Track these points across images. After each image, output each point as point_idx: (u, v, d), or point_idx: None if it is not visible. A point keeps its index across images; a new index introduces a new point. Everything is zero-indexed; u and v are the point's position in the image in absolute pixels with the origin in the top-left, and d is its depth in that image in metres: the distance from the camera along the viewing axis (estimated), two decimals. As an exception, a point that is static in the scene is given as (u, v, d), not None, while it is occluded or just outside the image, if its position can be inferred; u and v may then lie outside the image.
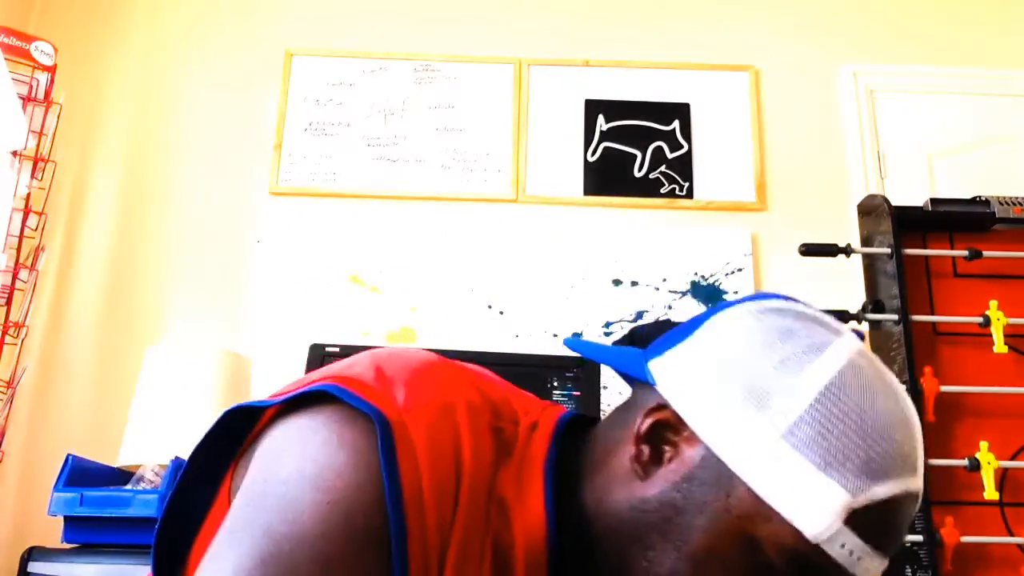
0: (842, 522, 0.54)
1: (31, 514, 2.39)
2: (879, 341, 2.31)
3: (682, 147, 2.82)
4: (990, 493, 1.95)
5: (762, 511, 0.55)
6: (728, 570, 0.57)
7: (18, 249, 2.48)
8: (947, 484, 2.06)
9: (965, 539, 1.94)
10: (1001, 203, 2.32)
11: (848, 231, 2.61)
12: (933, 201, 2.38)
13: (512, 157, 2.78)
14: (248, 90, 2.86)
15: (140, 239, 2.71)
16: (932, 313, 2.25)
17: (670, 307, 2.60)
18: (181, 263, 2.68)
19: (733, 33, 2.95)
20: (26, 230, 2.52)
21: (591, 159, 2.80)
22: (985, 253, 2.21)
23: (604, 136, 2.83)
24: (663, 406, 0.60)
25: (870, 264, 2.42)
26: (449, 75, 2.88)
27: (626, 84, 2.89)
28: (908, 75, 2.91)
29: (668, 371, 0.61)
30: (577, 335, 2.59)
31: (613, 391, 2.28)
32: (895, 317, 2.16)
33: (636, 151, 2.81)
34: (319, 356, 2.09)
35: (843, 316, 2.26)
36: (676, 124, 2.85)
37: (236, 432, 0.63)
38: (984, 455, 1.98)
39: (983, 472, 1.96)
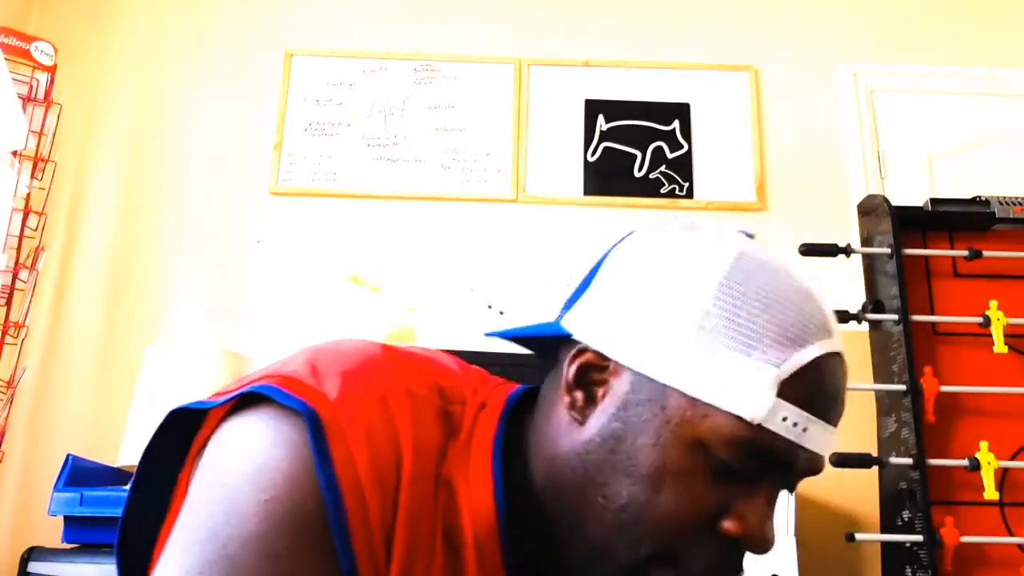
0: (776, 395, 0.55)
1: (31, 514, 2.39)
2: (879, 341, 2.31)
3: (682, 147, 2.82)
4: (990, 493, 1.95)
5: (699, 410, 0.56)
6: (684, 482, 0.57)
7: (18, 249, 2.48)
8: (947, 484, 2.06)
9: (965, 539, 1.94)
10: (1001, 203, 2.32)
11: (848, 231, 2.61)
12: (933, 201, 2.37)
13: (512, 157, 2.78)
14: (248, 90, 2.86)
15: (140, 239, 2.71)
16: (932, 313, 2.25)
17: (670, 307, 2.59)
18: (181, 263, 2.68)
19: (733, 33, 2.95)
20: (26, 230, 2.52)
21: (591, 159, 2.80)
22: (985, 253, 2.21)
23: (604, 136, 2.83)
24: (583, 350, 0.62)
25: (870, 264, 2.42)
26: (449, 75, 2.88)
27: (626, 84, 2.89)
28: (908, 75, 2.91)
29: (579, 318, 0.63)
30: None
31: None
32: (895, 317, 2.16)
33: (636, 151, 2.81)
34: (319, 356, 2.09)
35: (843, 316, 2.26)
36: (676, 124, 2.84)
37: (185, 432, 0.64)
38: (984, 455, 1.98)
39: (983, 472, 1.96)
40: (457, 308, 2.62)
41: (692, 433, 0.56)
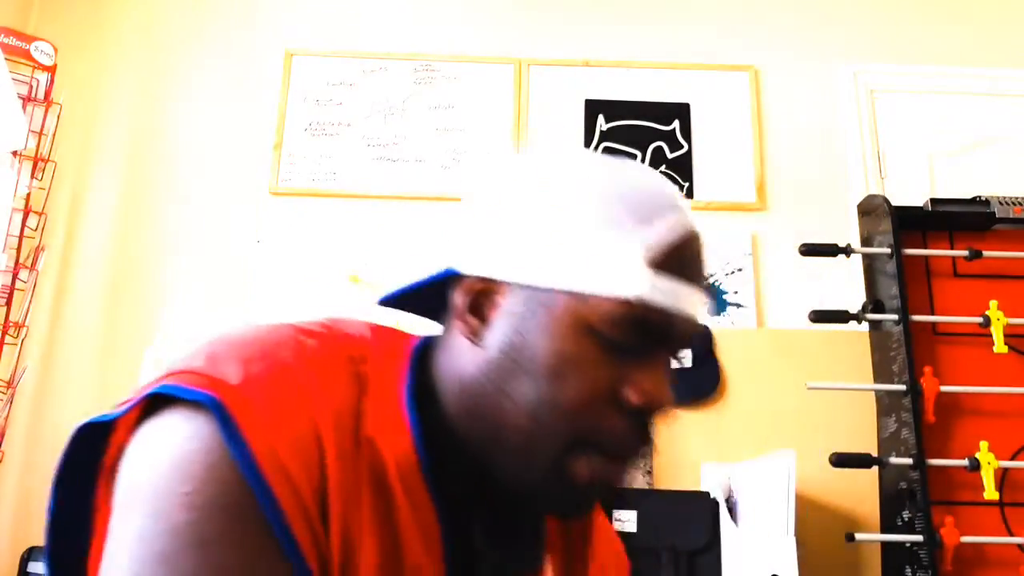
0: (648, 268, 0.61)
1: (31, 514, 2.39)
2: (879, 341, 2.31)
3: (682, 147, 2.82)
4: (990, 493, 1.95)
5: (583, 301, 0.61)
6: (582, 367, 0.61)
7: (18, 249, 2.49)
8: (947, 484, 2.06)
9: (965, 539, 1.94)
10: (1001, 203, 2.32)
11: (848, 231, 2.61)
12: (933, 201, 2.38)
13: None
14: (248, 90, 2.86)
15: (140, 239, 2.71)
16: (932, 313, 2.25)
17: (670, 307, 2.59)
18: (181, 263, 2.68)
19: (733, 33, 2.95)
20: (26, 230, 2.52)
21: (591, 159, 2.80)
22: (985, 253, 2.21)
23: (604, 136, 2.83)
24: (469, 279, 0.66)
25: (870, 264, 2.42)
26: (449, 75, 2.89)
27: (626, 84, 2.89)
28: (908, 75, 2.91)
29: (460, 255, 0.68)
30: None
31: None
32: (895, 317, 2.16)
33: (636, 151, 2.81)
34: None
35: (843, 316, 2.26)
36: (676, 124, 2.85)
37: (94, 448, 0.63)
38: (984, 455, 1.98)
39: (983, 472, 1.96)
40: (457, 308, 2.62)
41: (582, 322, 0.61)
